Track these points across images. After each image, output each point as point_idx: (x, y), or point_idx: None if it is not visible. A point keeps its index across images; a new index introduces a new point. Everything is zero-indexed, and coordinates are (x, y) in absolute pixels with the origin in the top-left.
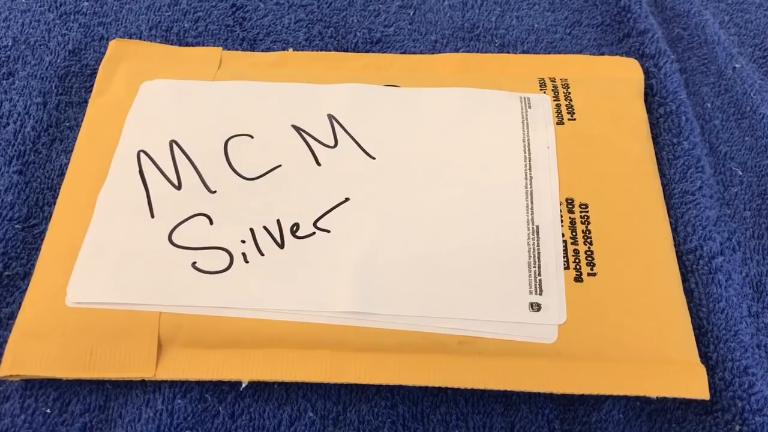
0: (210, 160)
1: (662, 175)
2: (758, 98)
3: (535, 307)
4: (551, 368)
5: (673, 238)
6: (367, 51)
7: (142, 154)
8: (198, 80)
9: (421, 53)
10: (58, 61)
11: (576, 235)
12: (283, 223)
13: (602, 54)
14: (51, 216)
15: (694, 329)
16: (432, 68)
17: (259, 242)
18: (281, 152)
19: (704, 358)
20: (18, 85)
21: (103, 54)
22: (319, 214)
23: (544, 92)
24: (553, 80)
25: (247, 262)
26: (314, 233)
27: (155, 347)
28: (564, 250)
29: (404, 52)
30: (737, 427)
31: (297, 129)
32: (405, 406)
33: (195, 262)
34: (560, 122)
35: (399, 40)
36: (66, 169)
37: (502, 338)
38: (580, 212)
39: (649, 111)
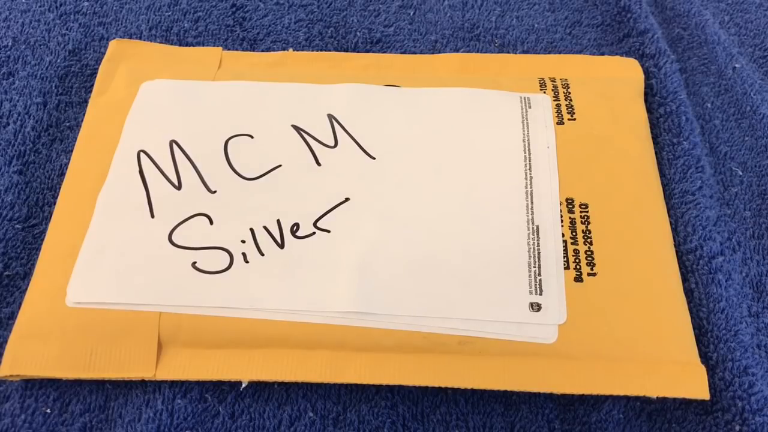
0: (210, 160)
1: (662, 175)
2: (758, 98)
3: (535, 307)
4: (551, 368)
5: (673, 238)
6: (367, 51)
7: (142, 154)
8: (198, 80)
9: (421, 53)
10: (58, 61)
11: (576, 235)
12: (283, 223)
13: (602, 54)
14: (51, 216)
15: (694, 329)
16: (432, 68)
17: (259, 242)
18: (281, 152)
19: (704, 358)
20: (18, 85)
21: (103, 54)
22: (319, 214)
23: (544, 92)
24: (553, 80)
25: (247, 262)
26: (314, 233)
27: (155, 347)
28: (564, 250)
29: (404, 52)
30: (737, 427)
31: (297, 129)
32: (405, 406)
33: (195, 262)
34: (560, 122)
35: (399, 40)
36: (66, 169)
37: (502, 338)
38: (580, 212)
39: (649, 111)
